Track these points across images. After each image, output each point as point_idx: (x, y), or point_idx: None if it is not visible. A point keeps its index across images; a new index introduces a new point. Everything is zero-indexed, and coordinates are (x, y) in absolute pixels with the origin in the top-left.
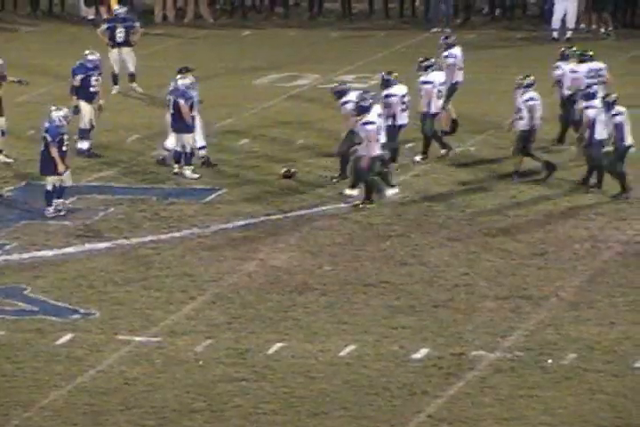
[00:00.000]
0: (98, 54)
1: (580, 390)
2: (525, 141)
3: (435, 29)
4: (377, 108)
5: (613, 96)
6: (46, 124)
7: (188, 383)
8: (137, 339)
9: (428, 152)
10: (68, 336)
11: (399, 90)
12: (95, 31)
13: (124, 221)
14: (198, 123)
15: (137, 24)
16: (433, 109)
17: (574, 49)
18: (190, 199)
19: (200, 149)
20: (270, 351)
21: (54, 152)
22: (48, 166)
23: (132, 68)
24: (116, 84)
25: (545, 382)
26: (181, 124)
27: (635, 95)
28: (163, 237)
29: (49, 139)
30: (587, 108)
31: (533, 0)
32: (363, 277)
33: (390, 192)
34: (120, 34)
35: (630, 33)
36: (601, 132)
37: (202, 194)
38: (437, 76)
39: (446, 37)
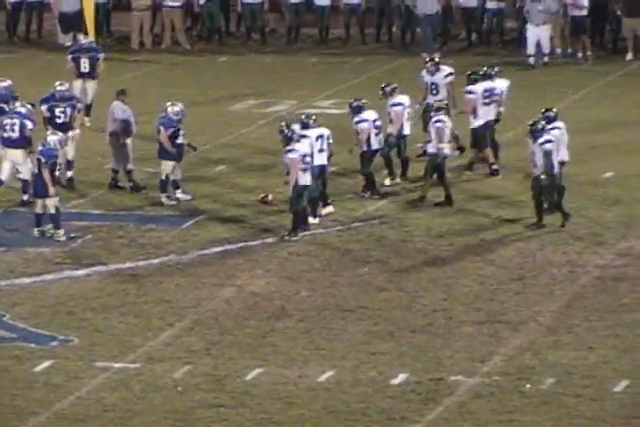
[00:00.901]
0: (67, 85)
1: (559, 415)
2: (433, 165)
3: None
4: (306, 141)
5: (542, 123)
6: (40, 147)
7: (166, 410)
8: (115, 365)
9: (406, 174)
10: (46, 363)
11: (370, 115)
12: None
13: (102, 247)
14: (129, 146)
15: (101, 55)
16: (404, 131)
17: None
18: (168, 226)
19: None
20: (249, 377)
21: (46, 174)
22: (42, 189)
23: (89, 101)
24: (87, 115)
25: (524, 406)
26: (161, 151)
27: (611, 120)
28: (141, 263)
29: (42, 160)
30: (545, 143)
31: (511, 25)
32: (341, 303)
33: (324, 211)
34: (85, 64)
35: (608, 57)
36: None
37: (179, 220)
38: (405, 99)
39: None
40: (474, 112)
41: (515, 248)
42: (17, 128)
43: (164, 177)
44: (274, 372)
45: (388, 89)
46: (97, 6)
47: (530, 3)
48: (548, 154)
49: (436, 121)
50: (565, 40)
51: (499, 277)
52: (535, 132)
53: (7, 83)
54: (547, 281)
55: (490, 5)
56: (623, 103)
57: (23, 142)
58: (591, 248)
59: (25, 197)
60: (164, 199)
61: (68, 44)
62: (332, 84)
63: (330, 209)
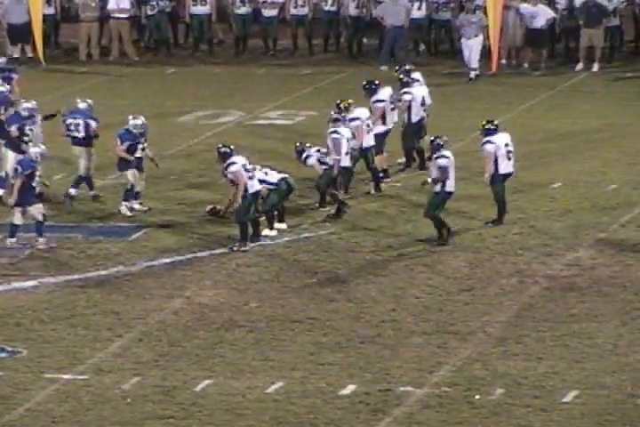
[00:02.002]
0: (34, 102)
1: (509, 426)
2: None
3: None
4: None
5: (444, 138)
6: (20, 157)
7: (115, 421)
8: (64, 377)
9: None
10: None
11: (345, 132)
12: (19, 69)
13: (51, 259)
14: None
15: (15, 76)
16: (367, 144)
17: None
18: (116, 237)
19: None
20: (197, 388)
21: (18, 183)
22: (25, 197)
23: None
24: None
25: (473, 417)
26: (120, 163)
27: (558, 130)
28: (89, 274)
29: (19, 170)
30: (486, 143)
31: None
32: (289, 314)
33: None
34: None
35: (557, 68)
36: (505, 167)
37: (128, 232)
38: (361, 112)
39: (407, 73)
40: (383, 118)
41: (463, 259)
42: (81, 128)
43: (129, 186)
44: (223, 383)
45: (343, 106)
46: (45, 18)
47: (462, 16)
48: (442, 169)
49: (332, 132)
50: (513, 51)
51: (447, 288)
52: (434, 149)
53: (32, 104)
54: (495, 291)
55: (436, 17)
56: (570, 113)
57: (89, 141)
58: (540, 258)
59: (73, 191)
60: (122, 208)
61: (16, 55)
62: (281, 94)
63: (283, 226)
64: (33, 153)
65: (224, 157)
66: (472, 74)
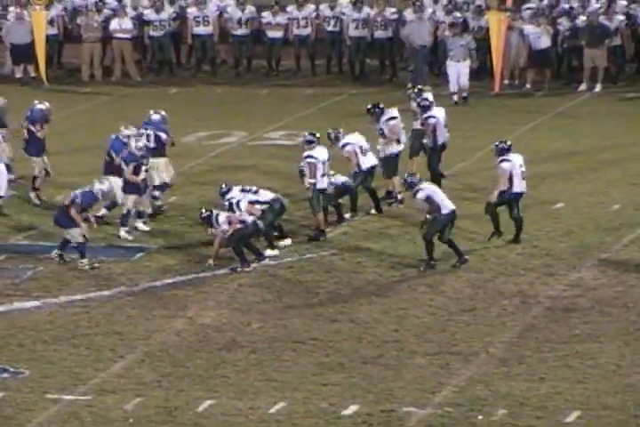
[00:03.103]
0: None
1: None
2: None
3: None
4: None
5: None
6: (102, 187)
7: None
8: (66, 397)
9: (357, 208)
10: None
11: (321, 153)
12: (22, 89)
13: (53, 279)
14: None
15: None
16: (366, 165)
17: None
18: (119, 258)
19: None
20: (200, 409)
21: (73, 211)
22: (64, 220)
23: None
24: None
25: None
26: (126, 186)
27: (561, 150)
28: (91, 295)
29: (77, 200)
30: (502, 161)
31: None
32: (292, 335)
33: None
34: None
35: (560, 88)
36: (519, 186)
37: (130, 252)
38: (354, 137)
39: (422, 96)
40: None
41: (466, 279)
42: (152, 139)
43: (125, 211)
44: (225, 403)
45: (332, 135)
46: (48, 38)
47: (451, 38)
48: (428, 200)
49: (307, 157)
50: (516, 71)
51: (450, 309)
52: (409, 186)
53: (44, 105)
54: (498, 312)
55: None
56: (573, 134)
57: (162, 151)
58: (542, 279)
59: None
60: (122, 233)
61: (19, 75)
62: (284, 115)
63: (288, 241)
64: (98, 189)
65: (207, 221)
66: (455, 97)
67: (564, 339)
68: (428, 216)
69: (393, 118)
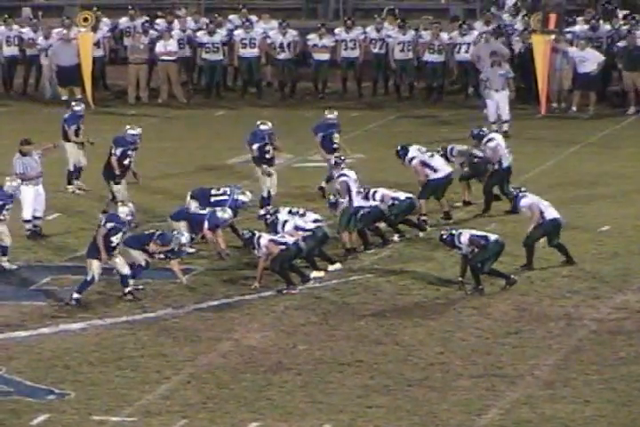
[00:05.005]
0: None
1: None
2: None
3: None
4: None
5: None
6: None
7: None
8: (112, 419)
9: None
10: (42, 417)
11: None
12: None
13: (99, 301)
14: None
15: None
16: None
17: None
18: (165, 279)
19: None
20: None
21: (101, 235)
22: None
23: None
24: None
25: None
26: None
27: (608, 173)
28: (137, 317)
29: (108, 225)
30: (520, 206)
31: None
32: (337, 357)
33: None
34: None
35: (605, 111)
36: (551, 213)
37: (176, 274)
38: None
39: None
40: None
41: (511, 302)
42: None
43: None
44: (271, 426)
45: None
46: (94, 60)
47: (489, 69)
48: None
49: (340, 175)
50: (562, 94)
51: (495, 331)
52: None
53: (137, 130)
54: (543, 335)
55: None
56: (619, 156)
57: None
58: (588, 302)
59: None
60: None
61: (64, 97)
62: None
63: (337, 266)
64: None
65: (249, 242)
66: (494, 127)
67: (609, 361)
68: (460, 252)
69: (413, 158)
